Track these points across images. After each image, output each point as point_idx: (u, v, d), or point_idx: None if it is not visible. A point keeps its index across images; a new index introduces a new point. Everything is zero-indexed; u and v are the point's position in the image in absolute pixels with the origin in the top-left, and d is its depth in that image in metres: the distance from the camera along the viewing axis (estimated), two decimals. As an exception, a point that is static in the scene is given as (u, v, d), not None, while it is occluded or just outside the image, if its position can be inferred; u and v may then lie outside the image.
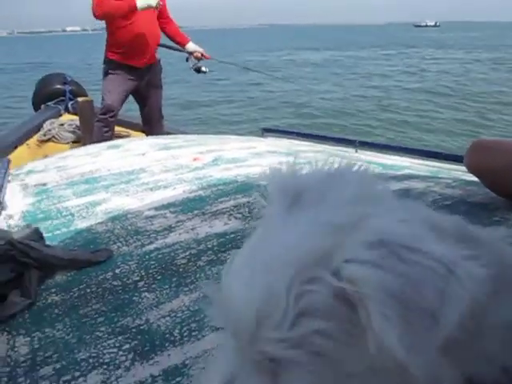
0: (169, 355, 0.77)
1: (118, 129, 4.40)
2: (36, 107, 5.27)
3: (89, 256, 1.13)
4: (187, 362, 0.75)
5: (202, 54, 3.64)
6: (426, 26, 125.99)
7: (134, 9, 3.15)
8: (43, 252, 1.07)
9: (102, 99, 3.40)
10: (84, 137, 4.26)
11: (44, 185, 1.94)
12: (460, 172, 1.84)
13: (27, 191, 1.87)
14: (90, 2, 3.16)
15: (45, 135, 4.52)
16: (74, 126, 4.58)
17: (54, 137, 4.49)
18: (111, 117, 3.38)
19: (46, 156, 4.16)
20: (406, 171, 1.87)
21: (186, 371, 0.73)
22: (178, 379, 0.71)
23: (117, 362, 0.77)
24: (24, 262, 1.04)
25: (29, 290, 0.99)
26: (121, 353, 0.79)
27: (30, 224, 1.28)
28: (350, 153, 2.39)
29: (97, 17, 3.17)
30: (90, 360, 0.78)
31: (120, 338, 0.83)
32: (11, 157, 4.06)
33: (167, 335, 0.83)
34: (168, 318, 0.88)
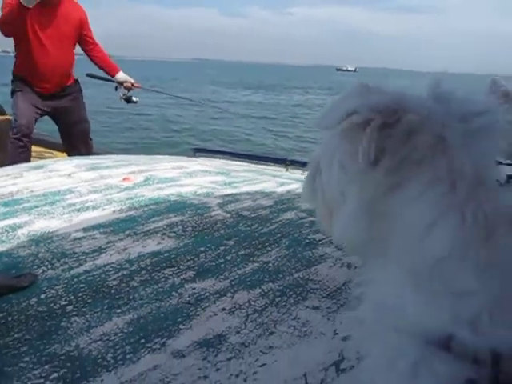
0: (102, 381, 0.74)
1: (40, 149, 4.19)
2: None
3: (10, 281, 1.05)
4: None
5: (133, 84, 3.56)
6: (347, 70, 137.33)
7: (21, 7, 2.85)
8: (-43, 279, 0.99)
9: (14, 120, 3.21)
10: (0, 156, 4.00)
11: None
12: None
13: None
14: None
15: (-43, 156, 4.18)
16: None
17: (-33, 158, 4.16)
18: (25, 136, 3.18)
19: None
20: None
21: (121, 396, 0.70)
22: None
23: (44, 392, 0.72)
24: None
25: None
26: (48, 383, 0.74)
27: None
28: (281, 171, 2.45)
29: (3, 33, 3.01)
30: (13, 393, 0.72)
31: (47, 367, 0.78)
32: None
33: (99, 360, 0.79)
34: (100, 342, 0.84)
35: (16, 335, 0.88)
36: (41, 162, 2.74)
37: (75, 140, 3.46)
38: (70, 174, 2.24)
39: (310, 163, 0.52)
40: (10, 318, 0.94)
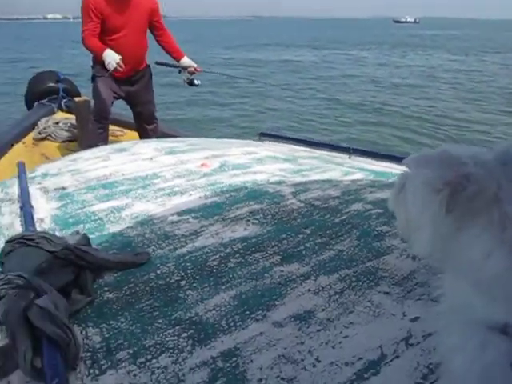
0: (222, 341, 0.96)
1: (112, 128, 4.53)
2: (29, 105, 5.33)
3: (133, 258, 1.30)
4: (238, 346, 0.94)
5: (195, 68, 3.80)
6: (406, 21, 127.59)
7: (100, 57, 3.35)
8: (95, 256, 1.24)
9: (94, 103, 3.54)
10: (81, 136, 4.37)
11: (64, 189, 2.08)
12: None
13: (49, 195, 2.01)
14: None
15: (40, 133, 4.60)
16: (68, 125, 4.68)
17: (49, 135, 4.57)
18: (104, 118, 3.52)
19: (42, 154, 4.28)
20: (395, 179, 2.09)
21: (239, 353, 0.92)
22: (233, 359, 0.91)
23: (180, 347, 0.95)
24: (80, 265, 1.21)
25: (88, 289, 1.16)
26: (181, 340, 0.98)
27: (78, 230, 1.44)
28: (343, 159, 2.60)
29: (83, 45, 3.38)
30: (157, 346, 0.96)
31: (177, 327, 1.02)
32: (8, 155, 4.16)
33: (216, 325, 1.02)
34: (214, 312, 1.07)
35: (147, 302, 1.12)
36: (123, 144, 3.03)
37: (143, 121, 3.80)
38: (151, 158, 2.49)
39: (398, 180, 0.71)
40: (138, 288, 1.19)
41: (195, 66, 3.84)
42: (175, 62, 3.85)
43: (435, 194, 0.58)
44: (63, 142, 4.57)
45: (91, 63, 3.60)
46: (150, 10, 3.56)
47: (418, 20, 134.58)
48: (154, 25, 3.63)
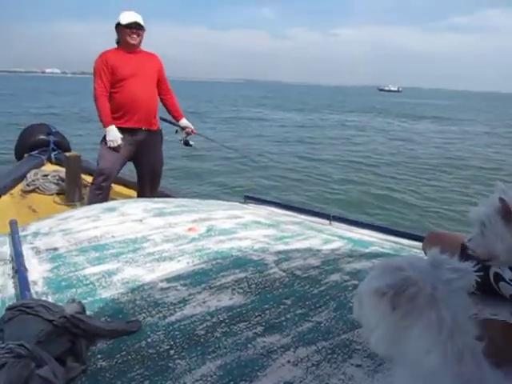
0: None
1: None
2: (18, 156, 5.44)
3: (124, 326, 1.39)
4: None
5: (192, 130, 4.04)
6: (390, 90, 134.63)
7: (104, 124, 3.63)
8: (90, 324, 1.33)
9: (97, 163, 3.68)
10: (69, 190, 4.47)
11: (55, 250, 2.16)
12: (419, 250, 2.21)
13: (41, 256, 2.09)
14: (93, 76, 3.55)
15: (28, 185, 4.69)
16: (57, 178, 4.78)
17: (38, 187, 4.67)
18: (104, 181, 3.64)
19: (29, 206, 4.34)
20: (373, 248, 2.24)
21: (225, 424, 1.01)
22: None
23: (169, 417, 1.04)
24: (75, 333, 1.29)
25: (82, 357, 1.24)
26: (170, 410, 1.06)
27: (74, 298, 1.52)
28: (324, 225, 2.75)
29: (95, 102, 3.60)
30: (148, 416, 1.04)
31: None
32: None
33: (203, 396, 1.11)
34: (201, 382, 1.15)
35: (139, 371, 1.21)
36: (112, 203, 3.14)
37: (144, 181, 3.94)
38: (141, 220, 2.60)
39: (356, 297, 0.85)
40: (129, 357, 1.27)
41: (192, 127, 4.09)
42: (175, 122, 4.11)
43: (382, 297, 0.71)
44: (51, 194, 4.65)
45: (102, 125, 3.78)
46: (158, 67, 3.83)
47: (400, 89, 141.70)
48: (160, 84, 3.88)
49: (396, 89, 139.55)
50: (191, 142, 4.09)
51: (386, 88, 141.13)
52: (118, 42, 3.68)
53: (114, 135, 3.54)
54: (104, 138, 3.66)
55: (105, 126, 3.55)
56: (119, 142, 3.54)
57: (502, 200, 1.19)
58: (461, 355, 0.67)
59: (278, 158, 12.30)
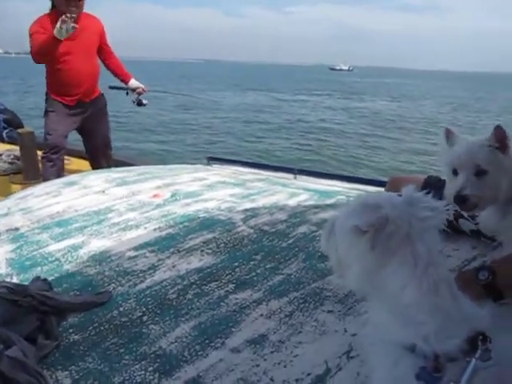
0: (185, 371, 1.06)
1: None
2: (-33, 137, 5.17)
3: (94, 298, 1.37)
4: (201, 374, 1.04)
5: (143, 89, 3.90)
6: (341, 69, 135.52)
7: (54, 39, 3.17)
8: (58, 300, 1.30)
9: (45, 138, 3.52)
10: (26, 168, 4.30)
11: (17, 229, 2.09)
12: None
13: (1, 238, 2.01)
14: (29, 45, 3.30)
15: (-18, 167, 4.49)
16: (12, 157, 4.59)
17: (-8, 168, 4.47)
18: (55, 153, 3.50)
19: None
20: (339, 197, 2.26)
21: (202, 381, 1.02)
22: None
23: (147, 380, 1.04)
24: (43, 310, 1.27)
25: (53, 334, 1.22)
26: (148, 374, 1.06)
27: (39, 276, 1.48)
28: (289, 179, 2.76)
29: (36, 61, 3.30)
30: (126, 382, 1.04)
31: (143, 362, 1.10)
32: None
33: (179, 356, 1.11)
34: (176, 344, 1.16)
35: (112, 340, 1.20)
36: (72, 177, 3.04)
37: (97, 152, 3.81)
38: (103, 191, 2.54)
39: (328, 223, 0.84)
40: (102, 328, 1.26)
41: (142, 86, 3.95)
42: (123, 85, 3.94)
43: (361, 235, 0.71)
44: (7, 174, 4.48)
45: (44, 97, 3.58)
46: (98, 32, 3.60)
47: (351, 68, 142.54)
48: (102, 48, 3.67)
49: (347, 68, 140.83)
50: (144, 101, 3.97)
51: (338, 67, 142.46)
52: (53, 5, 3.38)
53: (60, 24, 3.15)
54: (46, 110, 3.50)
55: (49, 37, 3.14)
56: (63, 16, 3.13)
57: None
58: (436, 287, 0.68)
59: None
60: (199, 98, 10.17)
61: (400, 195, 0.78)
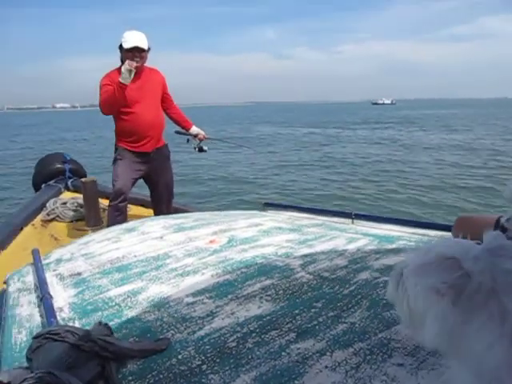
0: None
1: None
2: (36, 187, 5.51)
3: (154, 345, 1.35)
4: None
5: (204, 136, 4.05)
6: (383, 103, 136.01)
7: (120, 85, 3.40)
8: (118, 346, 1.30)
9: (112, 185, 3.68)
10: (88, 215, 4.49)
11: (79, 274, 2.15)
12: None
13: (65, 282, 2.08)
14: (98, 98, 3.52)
15: (48, 215, 4.74)
16: (75, 205, 4.82)
17: (58, 216, 4.71)
18: (121, 201, 3.64)
19: (52, 235, 4.38)
20: (400, 242, 2.17)
21: None
22: None
23: None
24: (104, 356, 1.26)
25: (113, 381, 1.21)
26: (208, 428, 1.01)
27: (101, 321, 1.49)
28: (347, 224, 2.69)
29: (104, 112, 3.51)
30: None
31: None
32: (19, 238, 4.25)
33: (241, 410, 1.06)
34: None
35: (172, 390, 1.17)
36: (132, 223, 3.13)
37: (160, 199, 3.94)
38: (161, 237, 2.58)
39: (395, 271, 0.79)
40: (161, 376, 1.23)
41: (203, 133, 4.12)
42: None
43: (440, 296, 0.65)
44: (71, 221, 4.69)
45: (114, 147, 3.79)
46: (161, 82, 3.83)
47: (394, 101, 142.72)
48: (164, 97, 3.88)
49: (390, 102, 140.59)
50: (205, 148, 4.12)
51: (380, 101, 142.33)
52: (122, 61, 3.66)
53: (122, 70, 3.37)
54: (115, 159, 3.68)
55: (115, 89, 3.40)
56: (127, 65, 3.35)
57: None
58: None
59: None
60: (249, 148, 10.48)
61: (479, 243, 0.72)
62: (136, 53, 3.50)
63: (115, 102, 3.43)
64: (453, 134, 25.48)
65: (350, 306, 1.51)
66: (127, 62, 3.37)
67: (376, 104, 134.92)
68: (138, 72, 3.61)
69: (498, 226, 1.47)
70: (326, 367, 1.18)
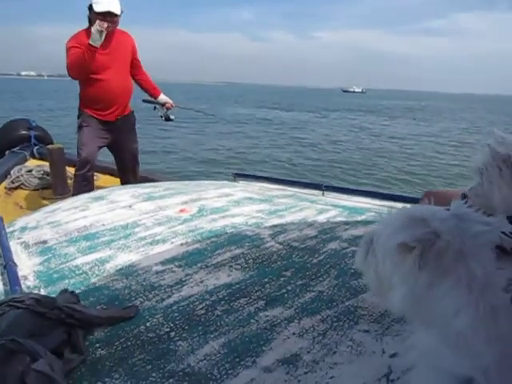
0: None
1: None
2: (0, 153, 5.30)
3: (122, 313, 1.34)
4: None
5: (171, 104, 3.95)
6: (354, 91, 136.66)
7: (90, 47, 3.22)
8: (85, 313, 1.28)
9: (78, 153, 3.56)
10: (55, 183, 4.37)
11: (44, 242, 2.10)
12: None
13: (30, 250, 2.02)
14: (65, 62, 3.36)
15: (13, 182, 4.59)
16: (42, 172, 4.68)
17: (22, 184, 4.56)
18: (88, 170, 3.54)
19: (16, 203, 4.25)
20: (369, 214, 2.20)
21: (232, 402, 0.97)
22: None
23: (175, 400, 1.00)
24: (70, 323, 1.24)
25: (80, 348, 1.19)
26: (176, 392, 1.02)
27: (67, 288, 1.46)
28: (317, 196, 2.71)
29: (72, 76, 3.35)
30: (153, 401, 1.00)
31: (171, 380, 1.06)
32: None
33: (208, 375, 1.07)
34: (205, 361, 1.11)
35: (139, 356, 1.16)
36: (100, 192, 3.06)
37: (125, 167, 3.85)
38: (130, 206, 2.54)
39: (364, 239, 0.79)
40: (129, 343, 1.23)
41: (171, 101, 4.01)
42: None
43: (407, 252, 0.65)
44: (37, 189, 4.55)
45: (77, 112, 3.64)
46: (130, 48, 3.67)
47: (364, 90, 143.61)
48: (133, 63, 3.73)
49: (360, 90, 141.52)
50: (172, 116, 4.04)
51: (351, 89, 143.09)
52: (90, 21, 3.45)
53: (94, 28, 3.19)
54: (80, 125, 3.55)
55: (88, 48, 3.21)
56: (97, 26, 3.18)
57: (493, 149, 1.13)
58: (495, 313, 0.61)
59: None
60: (221, 119, 10.44)
61: (447, 209, 0.72)
62: (108, 17, 3.29)
63: (85, 64, 3.26)
64: (419, 124, 26.10)
65: (318, 274, 1.53)
66: (98, 22, 3.19)
67: (347, 92, 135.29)
68: (109, 36, 3.43)
69: (464, 198, 1.51)
70: (294, 334, 1.20)
